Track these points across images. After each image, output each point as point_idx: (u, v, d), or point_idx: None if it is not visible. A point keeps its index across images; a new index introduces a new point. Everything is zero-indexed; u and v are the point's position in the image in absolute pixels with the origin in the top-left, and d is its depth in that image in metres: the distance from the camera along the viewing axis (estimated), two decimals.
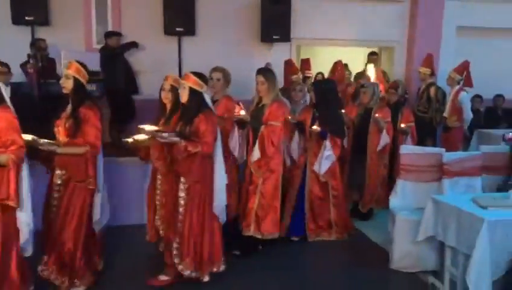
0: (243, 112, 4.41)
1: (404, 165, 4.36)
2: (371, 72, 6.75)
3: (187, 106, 3.73)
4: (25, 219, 3.24)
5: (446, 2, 7.88)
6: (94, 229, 3.75)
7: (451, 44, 7.93)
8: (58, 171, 3.57)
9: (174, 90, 3.92)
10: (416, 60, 7.64)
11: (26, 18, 6.63)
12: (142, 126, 3.69)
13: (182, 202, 3.71)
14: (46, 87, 5.74)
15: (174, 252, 3.71)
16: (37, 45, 6.09)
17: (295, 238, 4.90)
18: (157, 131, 3.67)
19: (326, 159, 4.74)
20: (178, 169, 3.68)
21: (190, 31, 7.20)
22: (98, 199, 3.73)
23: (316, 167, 4.79)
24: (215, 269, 3.82)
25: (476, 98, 7.76)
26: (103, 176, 3.77)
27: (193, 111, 3.68)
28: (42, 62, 5.87)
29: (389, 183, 5.41)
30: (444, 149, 4.46)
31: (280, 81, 6.07)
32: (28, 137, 3.31)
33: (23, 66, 6.06)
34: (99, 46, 6.81)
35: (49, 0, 6.86)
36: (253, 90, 4.64)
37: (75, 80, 3.54)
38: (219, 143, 3.84)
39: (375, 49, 7.98)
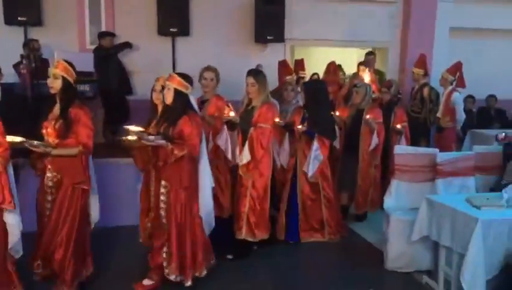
0: (232, 113, 4.40)
1: (399, 165, 4.38)
2: (365, 74, 6.75)
3: (171, 107, 3.65)
4: (16, 221, 3.21)
5: (439, 3, 7.92)
6: (87, 232, 3.70)
7: (444, 45, 7.96)
8: (49, 174, 3.52)
9: None
10: (409, 60, 7.66)
11: (19, 18, 6.58)
12: (127, 127, 3.62)
13: (162, 205, 3.66)
14: (39, 88, 5.68)
15: (164, 256, 3.66)
16: (30, 45, 6.04)
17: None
18: (142, 132, 3.58)
19: (314, 159, 4.73)
20: (164, 174, 3.61)
21: (184, 31, 7.19)
22: (94, 200, 3.73)
23: (305, 168, 4.79)
24: (197, 274, 3.75)
25: (469, 98, 7.82)
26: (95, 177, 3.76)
27: (177, 112, 3.61)
28: (35, 63, 5.82)
29: (382, 185, 5.40)
30: (437, 149, 4.49)
31: (275, 82, 6.11)
32: (18, 139, 3.24)
33: (16, 66, 6.02)
34: (92, 47, 6.77)
35: (42, 0, 6.82)
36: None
37: (64, 79, 3.49)
38: (204, 145, 3.79)
39: (370, 50, 7.99)
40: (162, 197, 3.66)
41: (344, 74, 7.48)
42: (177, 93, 3.62)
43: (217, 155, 4.50)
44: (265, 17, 7.19)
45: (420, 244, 4.03)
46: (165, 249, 3.66)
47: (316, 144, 4.72)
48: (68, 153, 3.47)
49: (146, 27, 7.11)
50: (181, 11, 7.11)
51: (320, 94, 4.86)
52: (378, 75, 7.45)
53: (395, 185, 4.39)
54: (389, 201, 4.37)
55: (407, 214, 4.16)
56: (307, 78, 6.88)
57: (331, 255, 4.68)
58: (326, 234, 4.92)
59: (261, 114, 4.38)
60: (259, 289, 3.99)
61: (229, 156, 4.51)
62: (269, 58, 7.19)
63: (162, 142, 3.52)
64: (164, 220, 3.65)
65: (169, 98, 3.63)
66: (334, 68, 6.82)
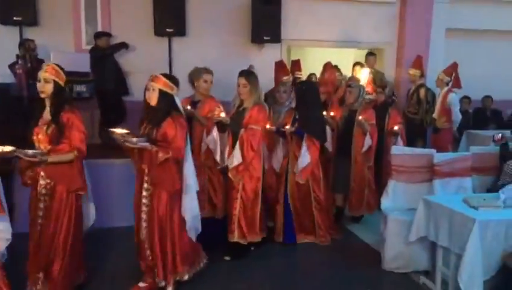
0: (223, 114, 4.38)
1: (395, 166, 4.37)
2: (362, 74, 6.75)
3: (156, 108, 3.57)
4: (5, 227, 3.08)
5: (435, 4, 7.94)
6: (81, 237, 3.65)
7: (440, 46, 7.98)
8: (42, 181, 3.43)
9: None
10: (405, 61, 7.68)
11: (15, 18, 6.53)
12: (112, 129, 3.52)
13: (144, 208, 3.60)
14: (35, 88, 5.64)
15: (149, 259, 3.65)
16: (25, 45, 6.02)
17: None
18: (127, 134, 3.48)
19: (302, 156, 4.67)
20: (152, 178, 3.53)
21: (180, 31, 7.17)
22: (89, 205, 3.71)
23: (295, 169, 4.76)
24: (178, 278, 3.70)
25: (465, 99, 7.84)
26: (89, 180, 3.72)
27: (162, 114, 3.54)
28: (31, 63, 5.81)
29: (377, 186, 5.35)
30: (434, 150, 4.48)
31: (271, 83, 6.10)
32: (8, 148, 3.13)
33: (11, 66, 5.98)
34: (88, 47, 6.73)
35: (37, 0, 6.78)
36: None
37: (55, 83, 3.43)
38: (188, 148, 3.72)
39: (365, 51, 7.99)
40: (144, 201, 3.60)
41: (341, 74, 7.47)
42: (162, 94, 3.55)
43: (209, 156, 4.50)
44: (262, 17, 7.18)
45: (417, 245, 4.03)
46: (148, 252, 3.64)
47: (305, 144, 4.68)
48: (64, 159, 3.41)
49: (142, 27, 7.08)
50: (177, 11, 7.09)
51: (311, 95, 4.81)
52: (379, 75, 7.42)
53: (392, 185, 4.38)
54: (386, 202, 4.37)
55: (404, 215, 4.16)
56: (304, 79, 6.87)
57: (328, 256, 4.68)
58: (317, 237, 4.90)
59: (252, 116, 4.36)
60: (255, 288, 3.98)
61: (217, 157, 4.48)
62: (266, 58, 7.17)
63: (146, 144, 3.46)
64: (145, 223, 3.59)
65: (153, 99, 3.56)
66: (330, 68, 6.81)
